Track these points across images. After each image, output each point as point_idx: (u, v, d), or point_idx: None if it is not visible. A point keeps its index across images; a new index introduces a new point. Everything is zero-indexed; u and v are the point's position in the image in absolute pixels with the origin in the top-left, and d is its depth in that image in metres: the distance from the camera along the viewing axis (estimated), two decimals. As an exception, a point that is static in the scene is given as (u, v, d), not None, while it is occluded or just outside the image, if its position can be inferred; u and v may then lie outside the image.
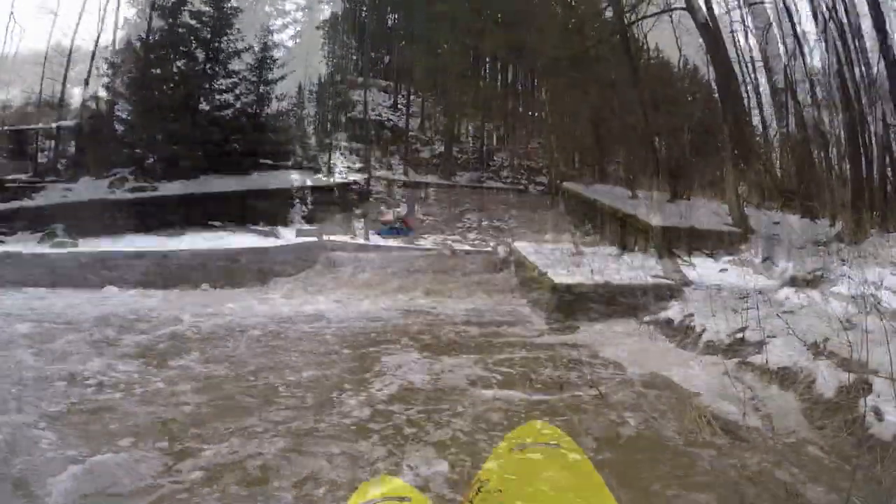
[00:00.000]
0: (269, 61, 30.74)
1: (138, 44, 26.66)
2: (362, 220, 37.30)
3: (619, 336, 9.12)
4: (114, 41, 28.03)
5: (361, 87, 43.60)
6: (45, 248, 19.66)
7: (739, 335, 7.39)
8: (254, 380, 6.68)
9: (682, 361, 7.39)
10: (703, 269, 12.59)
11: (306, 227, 34.05)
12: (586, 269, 13.09)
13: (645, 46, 31.64)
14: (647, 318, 10.31)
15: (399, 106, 41.58)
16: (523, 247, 19.29)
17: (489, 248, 31.43)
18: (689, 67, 41.35)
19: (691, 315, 9.04)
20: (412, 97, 45.84)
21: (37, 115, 30.35)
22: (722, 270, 12.10)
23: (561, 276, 12.71)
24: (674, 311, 9.85)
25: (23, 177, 24.06)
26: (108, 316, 11.02)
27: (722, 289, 10.28)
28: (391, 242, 34.64)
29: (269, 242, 24.00)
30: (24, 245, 20.07)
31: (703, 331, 8.19)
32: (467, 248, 25.15)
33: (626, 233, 16.41)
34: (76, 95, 27.69)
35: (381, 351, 8.51)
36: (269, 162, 27.27)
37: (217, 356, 7.91)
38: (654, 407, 5.58)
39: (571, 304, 12.09)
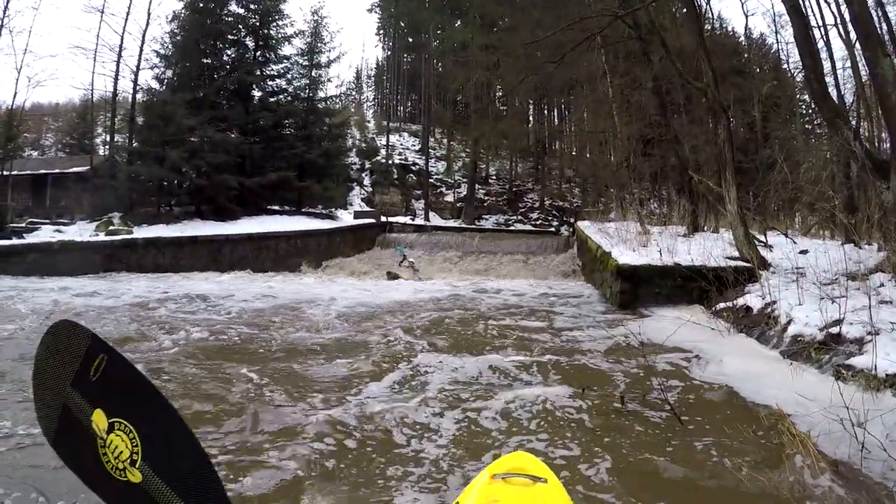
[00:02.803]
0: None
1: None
2: (422, 201, 37.38)
3: (691, 327, 7.91)
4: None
5: (393, 132, 43.55)
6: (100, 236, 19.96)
7: (834, 329, 6.28)
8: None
9: (768, 362, 6.38)
10: (781, 250, 11.58)
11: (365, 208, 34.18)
12: (654, 250, 12.18)
13: (708, 14, 30.21)
14: (722, 305, 9.38)
15: (430, 149, 40.65)
16: (586, 226, 18.43)
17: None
18: (754, 38, 39.55)
19: (774, 303, 7.96)
20: (440, 138, 45.49)
21: (63, 159, 33.18)
22: (802, 252, 11.06)
23: (626, 257, 11.78)
24: (752, 297, 8.82)
25: (28, 217, 25.50)
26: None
27: (804, 273, 9.17)
28: (451, 223, 34.46)
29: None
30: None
31: (790, 322, 7.08)
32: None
33: (698, 210, 15.34)
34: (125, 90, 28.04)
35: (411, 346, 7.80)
36: (276, 207, 27.07)
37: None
38: (739, 431, 4.46)
39: (637, 288, 11.23)
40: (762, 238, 12.79)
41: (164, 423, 1.64)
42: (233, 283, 15.96)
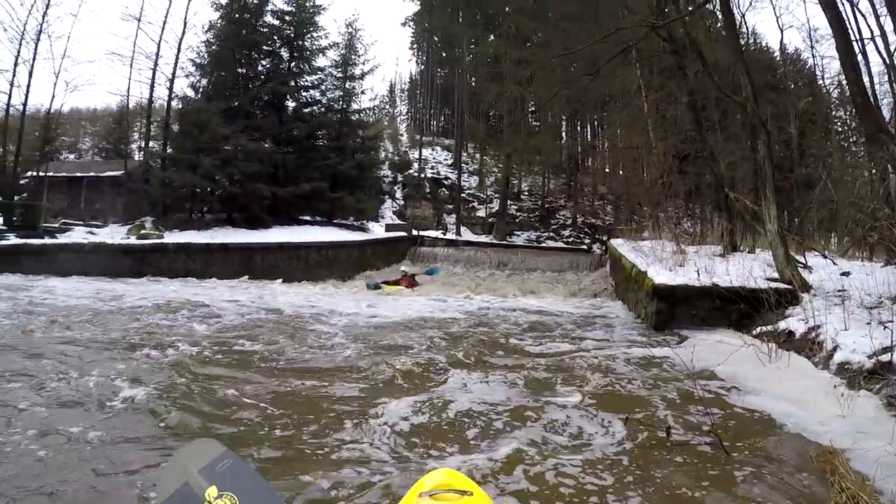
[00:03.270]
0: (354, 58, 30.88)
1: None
2: (454, 215, 37.27)
3: (731, 351, 7.54)
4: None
5: (426, 146, 43.44)
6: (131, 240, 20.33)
7: (885, 357, 5.96)
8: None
9: (814, 390, 6.02)
10: (821, 271, 11.23)
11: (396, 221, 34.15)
12: (691, 269, 11.85)
13: (743, 28, 29.70)
14: (762, 329, 9.05)
15: (462, 163, 40.42)
16: (619, 244, 18.12)
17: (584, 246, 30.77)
18: (789, 53, 38.72)
19: (817, 328, 7.65)
20: (473, 152, 45.33)
21: (98, 163, 34.31)
22: (844, 274, 10.70)
23: (662, 277, 11.45)
24: (794, 321, 8.50)
25: (62, 218, 26.43)
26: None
27: (849, 296, 8.81)
28: (482, 238, 34.29)
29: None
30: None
31: (835, 348, 6.74)
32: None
33: (735, 229, 14.96)
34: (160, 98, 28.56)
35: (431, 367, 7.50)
36: (307, 218, 27.26)
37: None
38: (785, 466, 4.20)
39: (673, 309, 10.89)
40: (801, 259, 12.38)
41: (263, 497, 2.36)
42: (233, 293, 15.87)
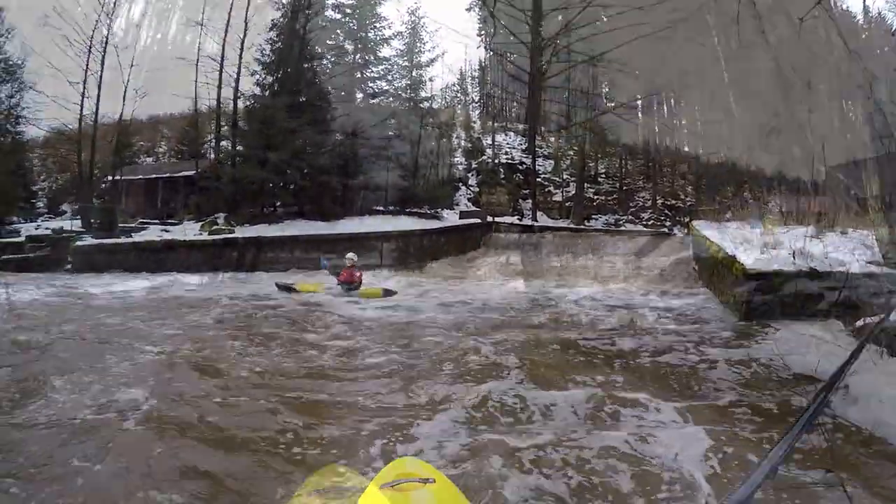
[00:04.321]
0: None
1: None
2: (529, 200, 36.54)
3: (833, 348, 6.71)
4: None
5: (499, 131, 42.63)
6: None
7: None
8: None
9: None
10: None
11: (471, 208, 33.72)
12: (783, 252, 10.85)
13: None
14: (865, 321, 8.07)
15: (536, 147, 39.33)
16: (702, 226, 17.19)
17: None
18: (872, 16, 36.25)
19: None
20: (547, 136, 44.20)
21: (173, 164, 35.98)
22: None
23: (753, 261, 10.50)
24: None
25: (139, 218, 27.97)
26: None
27: None
28: (560, 223, 33.45)
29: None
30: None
31: None
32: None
33: (830, 207, 13.78)
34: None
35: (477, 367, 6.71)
36: (380, 208, 27.20)
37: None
38: None
39: (765, 297, 9.98)
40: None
41: None
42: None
